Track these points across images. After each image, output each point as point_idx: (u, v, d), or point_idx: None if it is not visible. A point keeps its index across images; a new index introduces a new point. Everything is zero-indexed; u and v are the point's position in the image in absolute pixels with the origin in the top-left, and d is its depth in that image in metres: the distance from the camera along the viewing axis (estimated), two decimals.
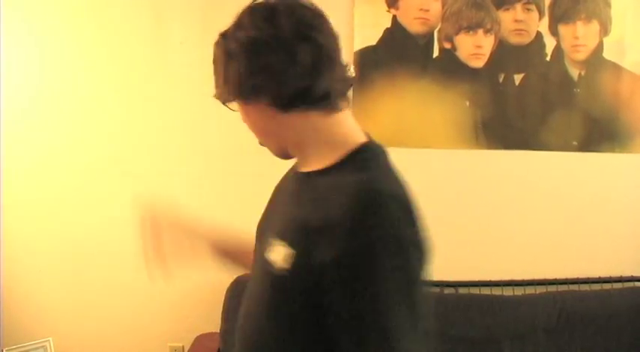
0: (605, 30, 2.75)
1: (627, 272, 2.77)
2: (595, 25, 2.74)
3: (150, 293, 2.72)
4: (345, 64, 1.15)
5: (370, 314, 0.97)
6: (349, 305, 0.98)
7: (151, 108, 2.69)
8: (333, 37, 1.13)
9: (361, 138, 1.14)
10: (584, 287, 2.73)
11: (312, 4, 1.14)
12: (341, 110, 1.12)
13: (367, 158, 1.11)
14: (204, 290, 2.68)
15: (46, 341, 2.62)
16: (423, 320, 1.01)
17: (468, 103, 2.72)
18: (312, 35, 1.08)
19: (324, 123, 1.12)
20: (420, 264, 1.03)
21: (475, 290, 2.70)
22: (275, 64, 1.06)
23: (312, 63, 1.06)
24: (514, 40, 2.73)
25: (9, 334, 2.64)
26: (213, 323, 2.55)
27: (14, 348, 2.56)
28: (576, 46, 2.75)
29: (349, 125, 1.15)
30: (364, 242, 0.97)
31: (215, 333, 2.52)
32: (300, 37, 1.07)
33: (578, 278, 2.75)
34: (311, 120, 1.12)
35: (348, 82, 1.15)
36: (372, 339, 0.97)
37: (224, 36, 1.17)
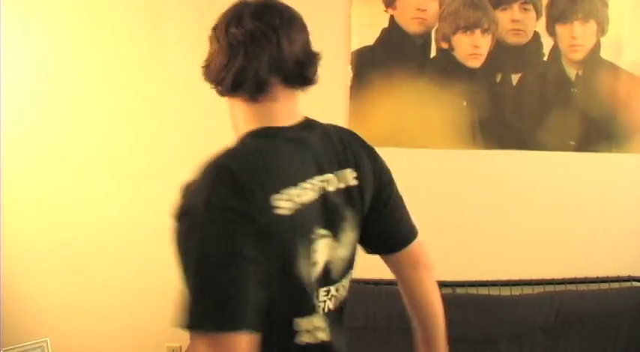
0: (602, 30, 2.75)
1: (624, 272, 2.78)
2: (592, 25, 2.74)
3: (147, 293, 2.72)
4: (285, 59, 1.19)
5: (184, 270, 1.07)
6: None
7: (149, 108, 2.69)
8: (257, 39, 1.18)
9: (272, 124, 1.21)
10: (582, 287, 2.73)
11: (265, 5, 1.22)
12: (259, 100, 1.20)
13: (245, 137, 1.21)
14: None
15: (43, 341, 2.62)
16: (228, 279, 1.04)
17: (465, 103, 2.72)
18: (232, 32, 1.18)
19: (245, 110, 1.23)
20: (244, 231, 1.06)
21: (473, 290, 2.70)
22: (210, 54, 1.25)
23: (228, 57, 1.19)
24: (511, 39, 2.73)
25: (7, 334, 2.64)
26: None
27: (12, 348, 2.56)
28: (574, 45, 2.75)
29: (272, 114, 1.22)
30: (186, 202, 1.09)
31: None
32: (225, 34, 1.20)
33: (575, 278, 2.75)
34: (234, 105, 1.25)
35: (285, 77, 1.20)
36: (187, 293, 1.07)
37: None
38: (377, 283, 2.67)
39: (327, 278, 1.23)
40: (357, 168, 1.29)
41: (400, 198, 1.43)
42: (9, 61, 2.63)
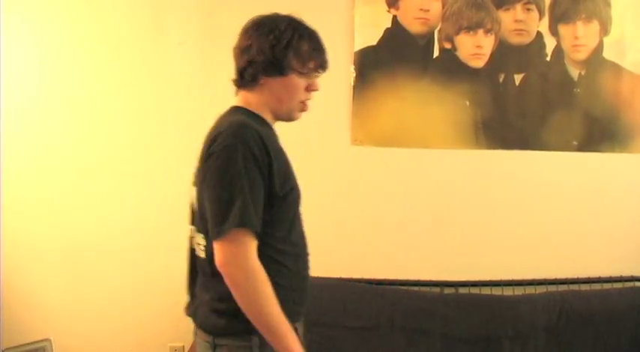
0: (605, 30, 2.75)
1: (627, 272, 2.77)
2: (595, 25, 2.74)
3: (150, 293, 2.72)
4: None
5: None
6: None
7: (150, 108, 2.69)
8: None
9: None
10: (584, 287, 2.73)
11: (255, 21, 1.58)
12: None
13: None
14: None
15: (46, 340, 2.62)
16: None
17: (468, 103, 2.72)
18: None
19: None
20: None
21: (475, 290, 2.70)
22: None
23: None
24: (514, 40, 2.73)
25: (9, 333, 2.64)
26: None
27: (14, 348, 2.57)
28: (576, 45, 2.75)
29: None
30: None
31: None
32: None
33: (577, 278, 2.75)
34: None
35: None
36: None
37: None
38: (379, 283, 2.67)
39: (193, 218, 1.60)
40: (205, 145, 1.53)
41: (206, 199, 1.48)
42: (11, 61, 2.64)
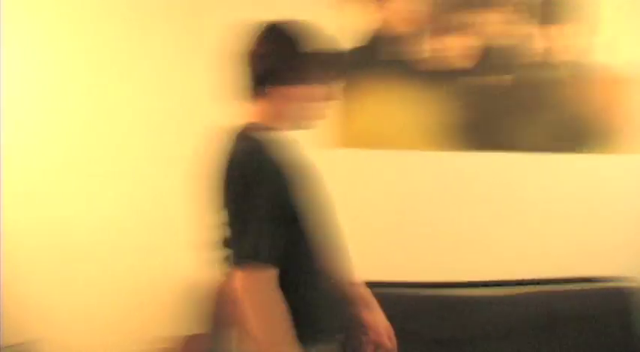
0: (593, 31, 2.76)
1: (613, 272, 2.78)
2: (583, 26, 2.75)
3: (150, 293, 2.72)
4: None
5: None
6: None
7: (151, 108, 2.70)
8: None
9: None
10: (571, 287, 2.74)
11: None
12: None
13: None
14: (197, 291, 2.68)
15: (43, 339, 2.61)
16: None
17: (455, 105, 2.73)
18: None
19: None
20: None
21: (465, 291, 2.70)
22: None
23: None
24: (502, 41, 2.74)
25: (7, 333, 2.65)
26: (202, 325, 2.55)
27: (11, 347, 2.55)
28: (564, 46, 2.76)
29: None
30: None
31: (204, 335, 2.51)
32: None
33: (564, 278, 2.76)
34: None
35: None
36: None
37: None
38: (379, 285, 2.66)
39: None
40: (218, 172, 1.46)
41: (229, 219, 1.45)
42: (12, 62, 2.66)
